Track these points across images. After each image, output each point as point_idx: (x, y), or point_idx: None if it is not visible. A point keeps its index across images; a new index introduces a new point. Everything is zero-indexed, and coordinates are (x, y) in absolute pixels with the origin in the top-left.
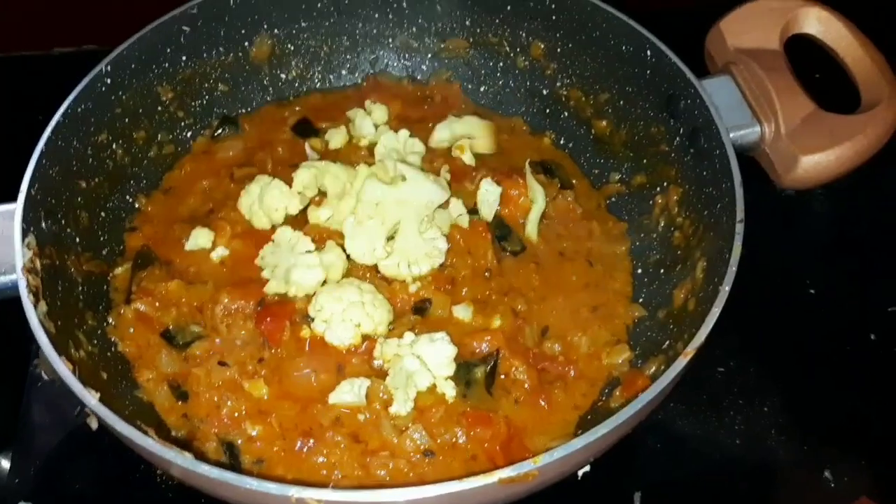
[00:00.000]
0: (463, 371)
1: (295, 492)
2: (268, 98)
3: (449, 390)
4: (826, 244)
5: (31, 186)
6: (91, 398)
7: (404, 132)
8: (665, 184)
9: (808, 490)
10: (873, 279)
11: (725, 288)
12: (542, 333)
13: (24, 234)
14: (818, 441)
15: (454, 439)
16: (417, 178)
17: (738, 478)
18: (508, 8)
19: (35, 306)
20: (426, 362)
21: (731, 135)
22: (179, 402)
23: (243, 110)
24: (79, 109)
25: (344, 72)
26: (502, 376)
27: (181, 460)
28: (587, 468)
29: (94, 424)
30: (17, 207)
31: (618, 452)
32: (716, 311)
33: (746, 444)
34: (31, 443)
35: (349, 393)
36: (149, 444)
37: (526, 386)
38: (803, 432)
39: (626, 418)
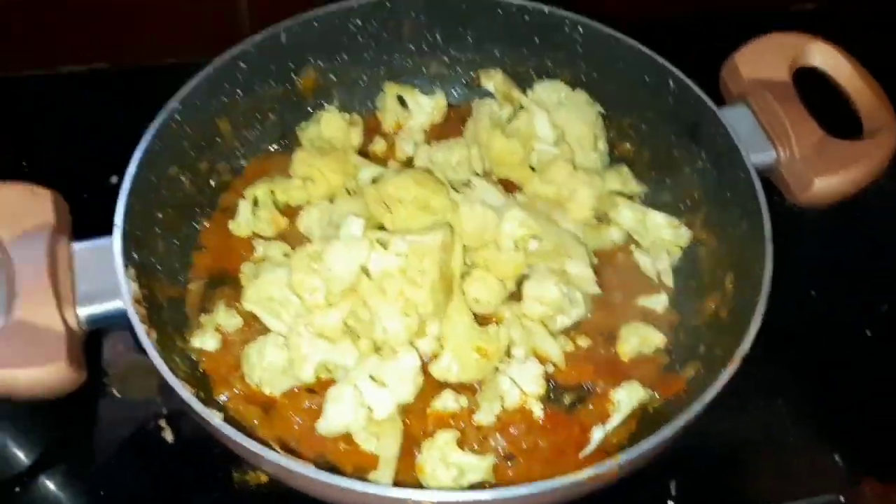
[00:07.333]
0: (551, 393)
1: (420, 496)
2: None
3: (537, 410)
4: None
5: (124, 221)
6: (215, 417)
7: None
8: (688, 202)
9: (820, 470)
10: (866, 281)
11: (763, 300)
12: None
13: (125, 266)
14: (828, 429)
15: (533, 445)
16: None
17: (760, 461)
18: (536, 40)
19: (149, 335)
20: (517, 381)
21: (752, 158)
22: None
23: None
24: (156, 146)
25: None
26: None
27: (319, 475)
28: None
29: (169, 437)
30: (115, 241)
31: None
32: (756, 322)
33: (765, 432)
34: (107, 458)
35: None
36: (281, 460)
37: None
38: (815, 421)
39: (694, 414)
